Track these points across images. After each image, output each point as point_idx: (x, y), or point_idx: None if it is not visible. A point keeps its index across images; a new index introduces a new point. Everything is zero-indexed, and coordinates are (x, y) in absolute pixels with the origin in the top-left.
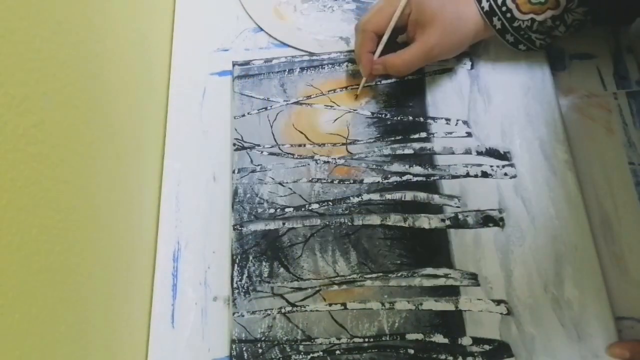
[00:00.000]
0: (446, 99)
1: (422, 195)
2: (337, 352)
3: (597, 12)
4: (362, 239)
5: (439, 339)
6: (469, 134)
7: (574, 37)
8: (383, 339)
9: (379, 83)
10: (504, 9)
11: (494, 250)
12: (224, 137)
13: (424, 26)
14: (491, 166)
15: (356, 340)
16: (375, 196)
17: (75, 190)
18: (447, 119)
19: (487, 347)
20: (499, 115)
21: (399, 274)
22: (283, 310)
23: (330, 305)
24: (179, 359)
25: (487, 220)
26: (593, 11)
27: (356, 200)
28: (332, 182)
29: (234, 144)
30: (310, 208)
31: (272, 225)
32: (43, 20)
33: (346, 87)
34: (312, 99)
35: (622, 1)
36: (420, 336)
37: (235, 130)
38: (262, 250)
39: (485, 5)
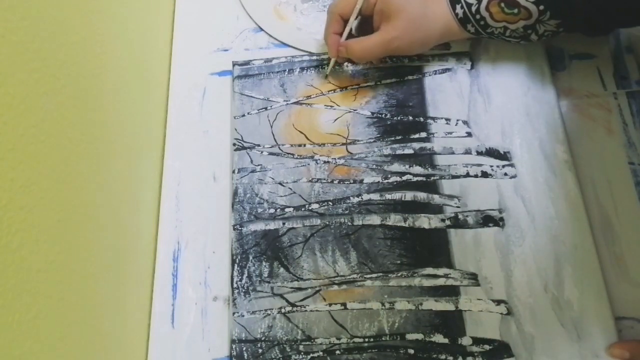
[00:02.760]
0: (446, 99)
1: (422, 195)
2: (337, 352)
3: (570, 25)
4: (362, 239)
5: (439, 339)
6: (469, 134)
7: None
8: (383, 339)
9: (378, 83)
10: (477, 17)
11: (494, 250)
12: (224, 137)
13: (389, 18)
14: (491, 166)
15: (356, 340)
16: (375, 196)
17: (75, 190)
18: (447, 119)
19: (487, 347)
20: (499, 115)
21: (399, 274)
22: (283, 310)
23: (330, 305)
24: (179, 359)
25: (487, 220)
26: (565, 24)
27: (356, 200)
28: (332, 182)
29: (234, 144)
30: (310, 208)
31: (272, 225)
32: (43, 20)
33: (346, 87)
34: (312, 99)
35: (595, 16)
36: (420, 336)
37: (235, 130)
38: (262, 250)
39: (460, 12)
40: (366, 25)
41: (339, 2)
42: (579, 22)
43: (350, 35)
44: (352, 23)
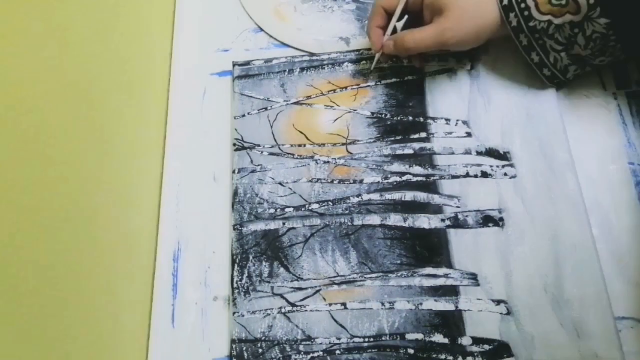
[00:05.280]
0: (446, 99)
1: (421, 195)
2: (337, 351)
3: (621, 29)
4: (362, 239)
5: (439, 338)
6: (469, 134)
7: (595, 64)
8: (383, 338)
9: (378, 83)
10: (522, 5)
11: (493, 250)
12: (224, 137)
13: (441, 10)
14: (491, 166)
15: (356, 340)
16: (375, 196)
17: (75, 190)
18: (447, 119)
19: (486, 346)
20: (499, 115)
21: (398, 274)
22: (283, 310)
23: (330, 305)
24: (179, 359)
25: (487, 220)
26: (618, 30)
27: (356, 200)
28: (332, 182)
29: (234, 144)
30: (310, 208)
31: (272, 225)
32: (43, 21)
33: (346, 87)
34: (312, 99)
35: None
36: (420, 336)
37: (236, 130)
38: (262, 250)
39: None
40: (412, 24)
41: None
42: (630, 25)
43: (394, 32)
44: (399, 23)
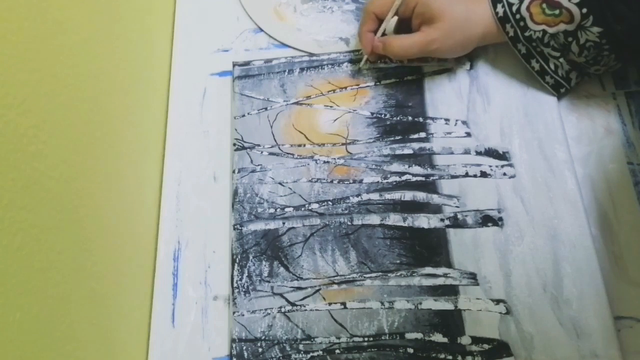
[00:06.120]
0: (445, 99)
1: (421, 195)
2: (337, 351)
3: (613, 37)
4: (361, 239)
5: (438, 338)
6: (468, 134)
7: (591, 74)
8: (382, 338)
9: (377, 84)
10: (517, 16)
11: (493, 250)
12: (224, 137)
13: (431, 20)
14: (490, 166)
15: (356, 339)
16: (374, 196)
17: (75, 190)
18: (446, 119)
19: (486, 346)
20: (498, 115)
21: (398, 274)
22: (283, 310)
23: (330, 304)
24: (179, 358)
25: (486, 220)
26: (611, 39)
27: (356, 200)
28: (331, 182)
29: (234, 144)
30: (310, 208)
31: (272, 225)
32: (44, 21)
33: (346, 88)
34: (311, 99)
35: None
36: (419, 335)
37: (236, 130)
38: (262, 249)
39: (500, 10)
40: (402, 27)
41: (375, 1)
42: (622, 34)
43: (383, 35)
44: (389, 22)
